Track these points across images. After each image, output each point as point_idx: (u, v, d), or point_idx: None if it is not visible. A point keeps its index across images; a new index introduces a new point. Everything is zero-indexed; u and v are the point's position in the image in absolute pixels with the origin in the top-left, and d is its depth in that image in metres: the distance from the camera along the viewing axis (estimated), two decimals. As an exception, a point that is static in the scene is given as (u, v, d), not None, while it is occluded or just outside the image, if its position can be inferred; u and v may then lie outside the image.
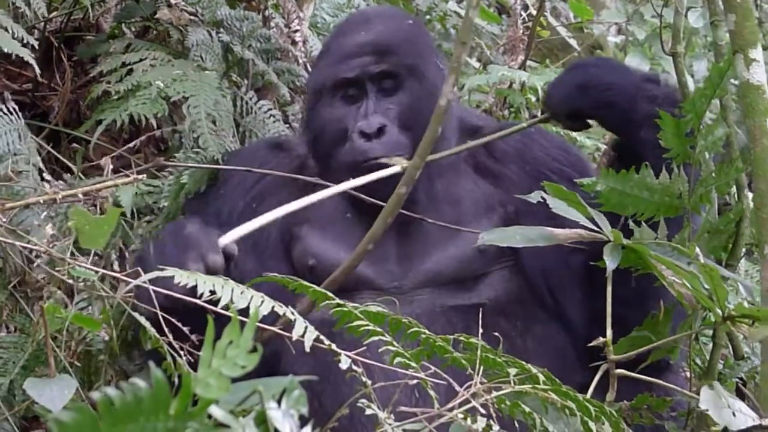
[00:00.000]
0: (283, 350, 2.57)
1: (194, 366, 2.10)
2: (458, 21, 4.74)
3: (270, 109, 3.50)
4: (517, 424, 2.19)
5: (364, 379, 2.11)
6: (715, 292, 2.28)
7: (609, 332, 2.34)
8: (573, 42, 4.90)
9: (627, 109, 2.71)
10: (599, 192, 2.54)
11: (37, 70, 3.09)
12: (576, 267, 2.77)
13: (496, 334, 2.33)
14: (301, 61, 3.65)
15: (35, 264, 2.75)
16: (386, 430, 2.03)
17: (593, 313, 2.73)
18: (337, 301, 2.23)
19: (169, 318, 2.23)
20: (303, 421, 1.55)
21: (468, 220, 2.87)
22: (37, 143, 3.38)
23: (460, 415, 2.03)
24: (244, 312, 2.01)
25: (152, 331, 2.16)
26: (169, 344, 2.19)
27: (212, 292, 2.15)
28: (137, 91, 3.28)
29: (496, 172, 2.96)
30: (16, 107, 3.12)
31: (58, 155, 3.47)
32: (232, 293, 2.12)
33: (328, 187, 2.72)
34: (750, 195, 2.73)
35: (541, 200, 2.43)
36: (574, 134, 3.97)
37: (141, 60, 3.41)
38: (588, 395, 2.25)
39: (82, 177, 3.21)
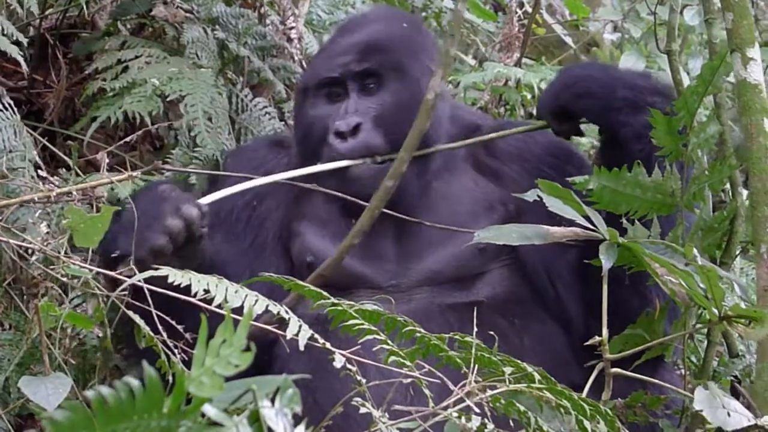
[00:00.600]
0: (277, 346, 2.58)
1: (188, 364, 2.11)
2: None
3: (265, 107, 3.51)
4: (512, 423, 2.19)
5: (358, 377, 2.11)
6: (712, 292, 2.28)
7: (605, 331, 2.34)
8: (569, 39, 4.90)
9: (605, 95, 2.72)
10: (592, 190, 2.54)
11: (25, 68, 3.09)
12: (572, 262, 2.78)
13: (492, 333, 2.33)
14: (296, 58, 3.65)
15: (30, 262, 2.75)
16: (380, 429, 2.03)
17: (589, 308, 2.74)
18: (333, 300, 2.23)
19: (163, 316, 2.23)
20: (297, 419, 1.55)
21: (468, 219, 2.86)
22: (34, 138, 3.38)
23: (455, 414, 2.03)
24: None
25: (146, 329, 2.16)
26: (163, 342, 2.19)
27: (206, 291, 2.14)
28: (132, 89, 3.28)
29: (496, 170, 2.96)
30: (12, 103, 3.12)
31: (54, 150, 3.47)
32: (226, 292, 2.12)
33: (325, 189, 2.76)
34: (744, 192, 2.73)
35: (538, 199, 2.43)
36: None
37: (136, 57, 3.41)
38: (584, 394, 2.25)
39: (78, 173, 3.21)
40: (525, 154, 2.94)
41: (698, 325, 2.57)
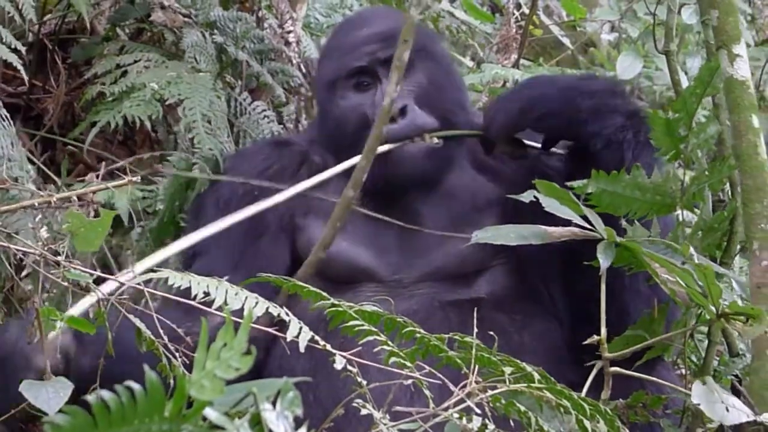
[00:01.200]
0: (277, 343, 2.58)
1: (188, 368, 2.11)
2: (451, 21, 4.75)
3: (264, 110, 3.51)
4: (512, 423, 2.19)
5: (359, 378, 2.11)
6: (709, 290, 2.28)
7: (603, 330, 2.34)
8: (566, 40, 4.90)
9: (568, 111, 2.73)
10: (590, 194, 2.54)
11: (25, 77, 3.10)
12: (561, 259, 2.79)
13: (492, 333, 2.33)
14: (294, 61, 3.65)
15: (23, 275, 2.74)
16: (381, 430, 2.03)
17: (574, 304, 2.76)
18: (332, 300, 2.24)
19: (165, 321, 2.23)
20: (298, 422, 1.56)
21: (467, 216, 2.87)
22: (31, 147, 3.39)
23: (456, 415, 2.04)
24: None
25: (147, 332, 2.16)
26: (164, 346, 2.19)
27: (206, 294, 2.15)
28: (131, 93, 3.29)
29: (494, 168, 2.96)
30: (8, 115, 3.12)
31: (52, 159, 3.47)
32: (226, 294, 2.13)
33: (330, 198, 2.77)
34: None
35: (534, 199, 2.43)
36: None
37: (135, 62, 3.42)
38: (583, 393, 2.25)
39: (65, 189, 3.20)
40: None
41: (698, 325, 2.58)
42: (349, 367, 2.10)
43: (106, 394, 1.35)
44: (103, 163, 3.49)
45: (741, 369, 2.89)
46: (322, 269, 2.81)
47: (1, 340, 2.46)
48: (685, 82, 3.17)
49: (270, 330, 2.21)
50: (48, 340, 2.28)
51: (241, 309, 2.12)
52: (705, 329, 2.79)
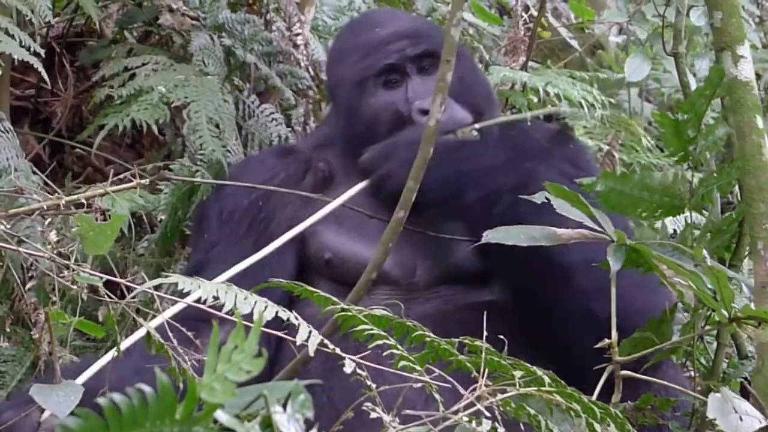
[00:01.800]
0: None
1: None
2: (459, 23, 4.74)
3: (272, 113, 3.51)
4: (522, 426, 2.19)
5: (368, 382, 2.11)
6: (721, 293, 2.28)
7: (614, 333, 2.33)
8: (574, 42, 4.89)
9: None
10: (598, 193, 2.54)
11: (45, 77, 3.10)
12: None
13: (503, 334, 2.32)
14: (303, 64, 3.65)
15: (29, 285, 2.75)
16: (391, 433, 2.03)
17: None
18: (342, 305, 2.23)
19: (175, 324, 2.24)
20: (308, 424, 1.56)
21: None
22: (39, 150, 3.39)
23: (465, 418, 2.03)
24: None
25: (157, 336, 2.16)
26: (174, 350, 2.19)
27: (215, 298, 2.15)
28: (139, 96, 3.29)
29: None
30: (13, 125, 3.12)
31: (60, 162, 3.48)
32: (235, 299, 2.13)
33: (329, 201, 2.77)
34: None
35: (546, 200, 2.42)
36: (576, 133, 3.97)
37: (143, 64, 3.42)
38: (594, 397, 2.25)
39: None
40: None
41: (707, 327, 2.57)
42: (359, 371, 2.10)
43: (117, 396, 1.35)
44: (111, 167, 3.50)
45: (750, 371, 2.89)
46: (336, 272, 2.81)
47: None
48: (693, 84, 3.16)
49: (278, 333, 2.21)
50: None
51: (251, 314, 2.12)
52: (714, 332, 2.79)
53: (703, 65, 4.49)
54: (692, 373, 2.69)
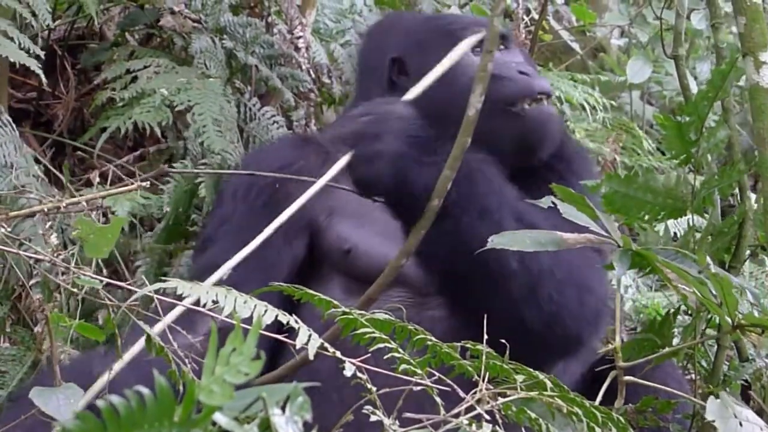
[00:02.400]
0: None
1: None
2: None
3: (273, 115, 3.51)
4: (524, 431, 2.18)
5: (368, 386, 2.11)
6: (725, 300, 2.28)
7: (618, 338, 2.34)
8: (575, 45, 4.90)
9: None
10: (603, 195, 2.54)
11: (44, 80, 3.10)
12: None
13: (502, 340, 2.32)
14: (304, 66, 3.65)
15: (32, 283, 2.75)
16: (391, 436, 2.03)
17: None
18: (343, 308, 2.23)
19: (174, 326, 2.23)
20: (307, 427, 1.56)
21: None
22: (41, 153, 3.39)
23: (466, 422, 2.03)
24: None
25: (157, 339, 2.16)
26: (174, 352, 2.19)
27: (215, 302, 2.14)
28: (141, 99, 3.29)
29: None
30: (14, 123, 3.12)
31: (61, 164, 3.48)
32: (235, 302, 2.12)
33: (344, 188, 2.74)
34: (753, 196, 2.73)
35: (552, 205, 2.42)
36: (576, 136, 3.97)
37: (145, 67, 3.42)
38: (596, 401, 2.25)
39: (71, 190, 3.21)
40: None
41: (709, 332, 2.57)
42: (359, 374, 2.10)
43: (115, 399, 1.35)
44: (112, 165, 3.50)
45: (751, 374, 2.89)
46: (355, 265, 2.79)
47: None
48: (694, 87, 3.17)
49: (279, 337, 2.21)
50: None
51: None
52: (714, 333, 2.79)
53: (704, 68, 4.50)
54: (693, 375, 2.69)
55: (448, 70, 2.80)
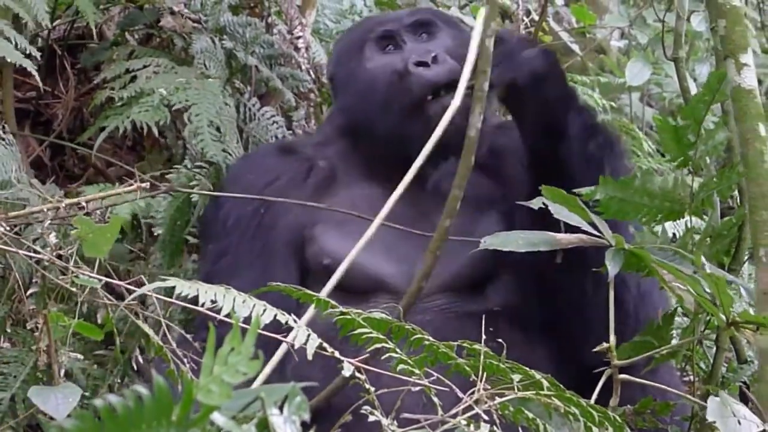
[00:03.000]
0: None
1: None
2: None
3: (273, 116, 3.51)
4: (521, 430, 2.18)
5: (367, 386, 2.11)
6: (720, 298, 2.28)
7: (612, 338, 2.33)
8: (575, 47, 4.89)
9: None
10: (598, 201, 2.54)
11: (39, 82, 3.10)
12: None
13: (504, 341, 2.32)
14: (304, 66, 3.65)
15: (29, 293, 2.74)
16: (389, 436, 2.03)
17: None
18: (341, 309, 2.23)
19: (172, 325, 2.24)
20: (305, 427, 1.56)
21: (472, 217, 2.83)
22: (40, 152, 3.39)
23: (464, 422, 2.03)
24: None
25: (155, 338, 2.16)
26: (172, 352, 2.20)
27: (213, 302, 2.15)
28: (140, 98, 3.28)
29: (495, 168, 2.94)
30: (14, 140, 3.13)
31: (61, 164, 3.48)
32: (233, 302, 2.12)
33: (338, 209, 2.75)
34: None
35: (543, 206, 2.42)
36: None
37: (144, 67, 3.41)
38: (592, 400, 2.25)
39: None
40: (520, 151, 2.89)
41: (706, 332, 2.57)
42: (357, 375, 2.10)
43: (113, 398, 1.35)
44: (112, 168, 3.50)
45: (749, 376, 2.89)
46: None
47: None
48: (694, 89, 3.17)
49: (277, 336, 2.21)
50: None
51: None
52: (713, 336, 2.79)
53: (704, 70, 4.50)
54: (691, 377, 2.69)
55: (357, 76, 2.85)
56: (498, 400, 2.09)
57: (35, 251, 2.63)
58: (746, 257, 2.87)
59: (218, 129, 3.24)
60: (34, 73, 3.01)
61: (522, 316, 2.78)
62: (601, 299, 2.37)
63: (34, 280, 2.73)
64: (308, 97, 3.66)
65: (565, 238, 2.37)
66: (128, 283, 2.35)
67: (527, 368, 2.20)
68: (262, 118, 3.50)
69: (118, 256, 3.12)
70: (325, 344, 2.13)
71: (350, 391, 2.22)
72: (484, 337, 2.22)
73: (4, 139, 3.07)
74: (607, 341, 2.31)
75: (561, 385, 2.19)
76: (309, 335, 2.12)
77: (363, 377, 2.11)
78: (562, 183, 2.46)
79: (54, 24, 3.58)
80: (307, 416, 1.54)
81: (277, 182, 2.94)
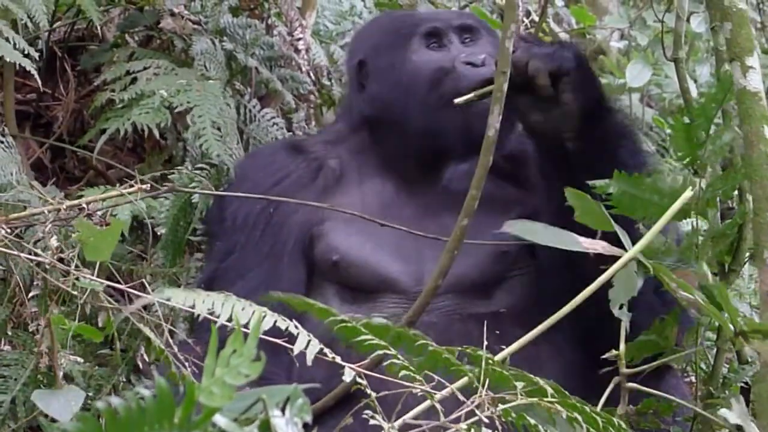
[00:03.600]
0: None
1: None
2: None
3: (273, 117, 3.51)
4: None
5: (368, 391, 2.10)
6: (727, 308, 2.29)
7: (622, 345, 2.33)
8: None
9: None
10: (611, 194, 2.53)
11: (39, 82, 3.10)
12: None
13: (510, 344, 2.31)
14: (304, 68, 3.65)
15: (30, 296, 2.74)
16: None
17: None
18: (341, 317, 2.22)
19: (173, 329, 2.24)
20: (307, 429, 1.56)
21: (485, 221, 2.83)
22: (41, 154, 3.39)
23: (465, 427, 2.03)
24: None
25: (157, 342, 2.16)
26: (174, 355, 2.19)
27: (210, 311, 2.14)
28: (141, 100, 3.28)
29: (513, 173, 2.95)
30: (14, 142, 3.13)
31: (62, 166, 3.48)
32: (232, 309, 2.12)
33: (342, 210, 2.75)
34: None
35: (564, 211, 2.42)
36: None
37: (145, 69, 3.41)
38: (598, 407, 2.24)
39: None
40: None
41: (710, 335, 2.57)
42: (359, 380, 2.10)
43: (115, 400, 1.36)
44: (113, 171, 3.50)
45: (751, 376, 2.89)
46: (344, 276, 2.80)
47: None
48: (694, 90, 3.17)
49: (278, 341, 2.20)
50: None
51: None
52: (713, 335, 2.79)
53: (704, 71, 4.51)
54: (693, 378, 2.69)
55: (400, 67, 2.85)
56: (500, 406, 2.08)
57: (36, 254, 2.62)
58: (746, 258, 2.87)
59: (219, 130, 3.23)
60: (34, 73, 3.01)
61: (528, 317, 2.76)
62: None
63: (35, 283, 2.73)
64: (308, 98, 3.67)
65: (587, 243, 2.37)
66: (130, 286, 2.34)
67: (531, 372, 2.19)
68: (263, 119, 3.50)
69: (120, 257, 3.11)
70: (326, 350, 2.12)
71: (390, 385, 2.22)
72: (486, 341, 2.21)
73: (4, 142, 3.07)
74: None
75: (565, 391, 2.18)
76: (309, 340, 2.11)
77: (364, 383, 2.11)
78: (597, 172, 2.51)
79: (54, 26, 3.58)
80: (309, 418, 1.55)
81: (285, 181, 2.94)
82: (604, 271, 2.36)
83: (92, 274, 2.48)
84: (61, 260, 2.55)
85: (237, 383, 1.44)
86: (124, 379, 2.85)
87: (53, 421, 2.27)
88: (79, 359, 2.73)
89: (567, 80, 2.64)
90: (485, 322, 2.62)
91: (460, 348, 2.21)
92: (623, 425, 2.19)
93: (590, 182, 2.54)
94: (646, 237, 2.41)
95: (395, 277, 2.82)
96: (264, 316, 2.09)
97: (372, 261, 2.80)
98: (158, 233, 3.17)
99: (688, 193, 2.47)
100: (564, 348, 2.73)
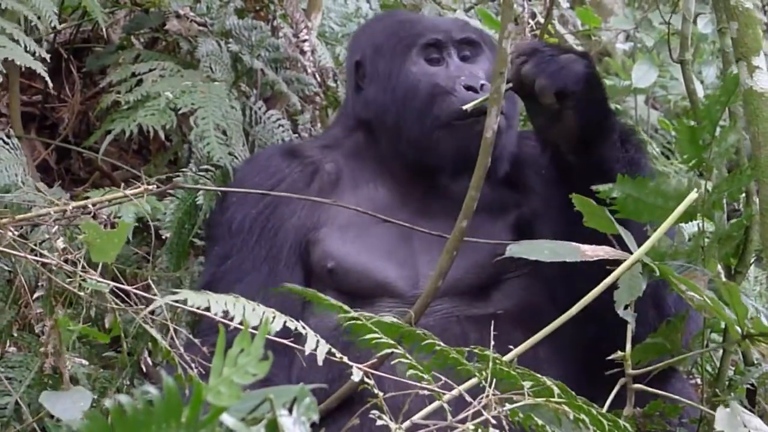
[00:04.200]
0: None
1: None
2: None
3: (279, 119, 3.51)
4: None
5: (376, 390, 2.10)
6: (735, 309, 2.28)
7: (628, 346, 2.33)
8: (581, 49, 4.89)
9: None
10: (615, 199, 2.53)
11: (49, 83, 3.09)
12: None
13: (509, 345, 2.31)
14: (309, 70, 3.65)
15: (36, 296, 2.74)
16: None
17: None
18: (352, 314, 2.22)
19: (178, 328, 2.23)
20: (314, 428, 1.55)
21: (482, 224, 2.83)
22: (46, 156, 3.39)
23: (472, 427, 2.03)
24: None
25: (164, 343, 2.16)
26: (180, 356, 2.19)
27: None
28: (146, 102, 3.28)
29: (510, 177, 2.95)
30: (19, 144, 3.12)
31: (68, 168, 3.48)
32: (244, 311, 2.12)
33: (344, 205, 2.75)
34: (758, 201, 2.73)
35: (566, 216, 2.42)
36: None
37: (150, 70, 3.41)
38: (604, 408, 2.24)
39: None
40: (539, 160, 2.90)
41: (715, 337, 2.57)
42: (366, 380, 2.09)
43: (123, 399, 1.35)
44: (118, 172, 3.50)
45: (757, 378, 2.88)
46: (339, 282, 2.80)
47: None
48: (700, 92, 3.16)
49: (285, 342, 2.20)
50: None
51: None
52: (719, 337, 2.78)
53: (710, 72, 4.50)
54: (699, 380, 2.69)
55: (398, 76, 2.85)
56: (508, 406, 2.08)
57: (42, 255, 2.62)
58: (752, 260, 2.86)
59: (224, 132, 3.23)
60: (44, 74, 3.01)
61: (525, 319, 2.77)
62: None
63: (40, 284, 2.73)
64: (314, 100, 3.66)
65: (590, 250, 2.37)
66: (136, 288, 2.34)
67: (535, 372, 2.19)
68: (268, 121, 3.50)
69: (124, 259, 3.11)
70: (333, 350, 2.12)
71: (403, 385, 2.21)
72: (493, 342, 2.21)
73: (9, 143, 3.07)
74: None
75: (572, 392, 2.18)
76: (318, 341, 2.11)
77: (372, 382, 2.11)
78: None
79: (60, 28, 3.58)
80: (316, 418, 1.54)
81: (281, 185, 2.94)
82: (604, 270, 2.37)
83: (98, 277, 2.47)
84: (66, 261, 2.54)
85: (244, 382, 1.43)
86: (128, 382, 2.85)
87: (59, 422, 2.26)
88: (84, 362, 2.73)
89: (571, 99, 2.64)
90: (482, 324, 2.64)
91: (468, 348, 2.22)
92: (629, 427, 2.19)
93: (593, 187, 2.54)
94: (650, 239, 2.41)
95: (391, 281, 2.82)
96: (274, 317, 2.09)
97: (368, 266, 2.81)
98: (163, 236, 3.16)
99: (692, 196, 2.46)
100: (563, 349, 2.73)
